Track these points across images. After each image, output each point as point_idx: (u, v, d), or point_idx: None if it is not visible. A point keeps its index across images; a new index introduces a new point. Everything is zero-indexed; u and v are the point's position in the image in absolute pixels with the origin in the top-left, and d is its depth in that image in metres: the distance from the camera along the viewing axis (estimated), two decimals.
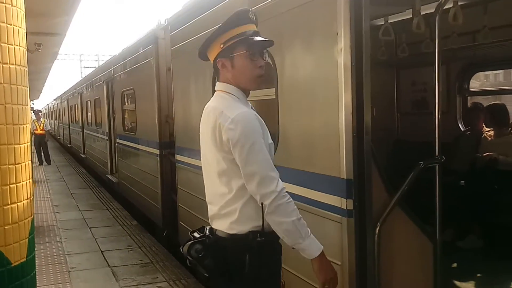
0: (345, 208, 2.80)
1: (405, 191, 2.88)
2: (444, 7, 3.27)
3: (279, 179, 2.18)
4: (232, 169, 2.21)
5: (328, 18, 2.91)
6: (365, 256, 2.83)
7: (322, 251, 2.20)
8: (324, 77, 2.98)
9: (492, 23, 4.80)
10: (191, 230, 2.47)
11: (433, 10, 3.21)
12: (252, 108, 2.37)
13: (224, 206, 2.29)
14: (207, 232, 2.37)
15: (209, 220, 2.41)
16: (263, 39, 2.29)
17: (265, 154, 2.18)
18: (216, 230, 2.35)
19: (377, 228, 2.84)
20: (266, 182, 2.14)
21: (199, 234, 2.37)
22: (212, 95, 2.43)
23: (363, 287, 2.86)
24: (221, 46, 2.28)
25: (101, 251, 6.53)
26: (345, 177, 2.80)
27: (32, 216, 2.66)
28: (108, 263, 6.00)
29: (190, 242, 2.30)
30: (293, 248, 2.20)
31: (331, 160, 2.89)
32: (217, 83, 2.38)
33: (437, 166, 3.10)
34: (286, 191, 2.18)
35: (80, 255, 6.35)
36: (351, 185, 2.79)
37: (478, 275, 4.18)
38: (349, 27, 2.76)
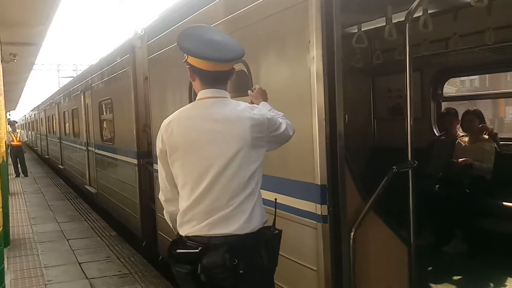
0: (319, 213, 2.83)
1: (379, 195, 2.93)
2: (414, 15, 3.35)
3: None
4: (259, 163, 2.38)
5: (300, 27, 2.95)
6: (341, 261, 2.86)
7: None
8: (297, 85, 3.01)
9: (462, 30, 4.92)
10: (170, 241, 2.41)
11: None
12: None
13: (237, 206, 2.27)
14: (200, 243, 2.27)
15: (207, 229, 2.28)
16: None
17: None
18: (216, 236, 2.25)
19: (352, 233, 2.88)
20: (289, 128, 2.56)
21: (185, 249, 2.30)
22: (189, 103, 2.45)
23: None
24: None
25: (79, 263, 6.42)
26: (319, 183, 2.83)
27: (1, 228, 2.62)
28: (86, 275, 5.91)
29: (213, 257, 2.19)
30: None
31: (305, 167, 2.92)
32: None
33: (410, 171, 3.15)
34: None
35: (57, 268, 6.24)
36: (325, 191, 2.82)
37: (454, 278, 4.24)
38: (320, 35, 2.80)
